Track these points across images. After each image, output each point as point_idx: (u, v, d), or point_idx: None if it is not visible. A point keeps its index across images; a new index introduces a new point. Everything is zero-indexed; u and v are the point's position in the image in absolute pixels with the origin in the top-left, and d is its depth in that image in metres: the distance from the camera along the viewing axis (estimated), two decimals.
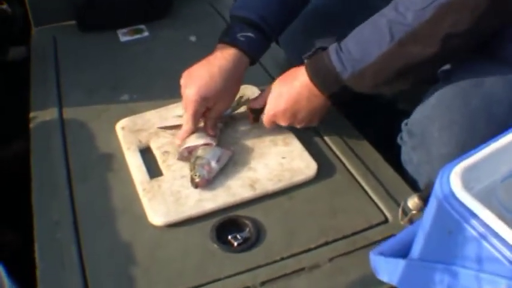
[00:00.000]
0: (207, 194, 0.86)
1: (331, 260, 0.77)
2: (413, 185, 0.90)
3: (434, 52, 0.78)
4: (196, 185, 0.87)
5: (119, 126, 1.03)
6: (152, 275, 0.77)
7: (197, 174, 0.87)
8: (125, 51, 1.33)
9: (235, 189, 0.87)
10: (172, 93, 1.02)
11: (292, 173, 0.90)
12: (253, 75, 1.04)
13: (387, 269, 0.62)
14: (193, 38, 1.36)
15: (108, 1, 1.39)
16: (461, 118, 0.80)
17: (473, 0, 0.74)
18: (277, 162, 0.92)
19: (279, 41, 1.17)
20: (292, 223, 0.83)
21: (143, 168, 0.92)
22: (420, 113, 0.86)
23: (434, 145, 0.83)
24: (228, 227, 0.82)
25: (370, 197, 0.87)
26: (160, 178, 0.91)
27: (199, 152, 0.90)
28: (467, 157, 0.50)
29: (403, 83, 0.84)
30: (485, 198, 0.48)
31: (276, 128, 0.98)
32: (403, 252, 0.60)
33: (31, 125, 1.09)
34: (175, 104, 1.06)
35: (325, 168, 0.92)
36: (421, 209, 0.72)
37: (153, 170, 0.93)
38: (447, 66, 0.90)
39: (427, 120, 0.84)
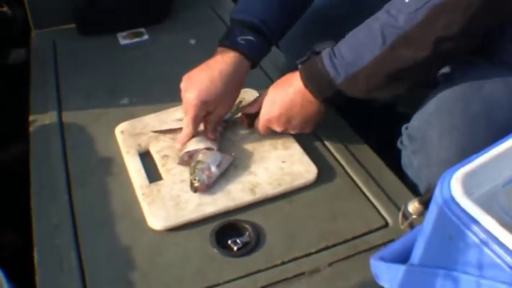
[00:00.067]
0: (206, 198, 0.86)
1: (331, 264, 0.77)
2: (413, 189, 0.89)
3: (427, 55, 0.77)
4: (195, 190, 0.86)
5: (118, 130, 1.03)
6: (151, 280, 0.76)
7: (197, 178, 0.86)
8: (124, 54, 1.33)
9: (235, 193, 0.87)
10: (172, 97, 1.02)
11: (292, 177, 0.90)
12: (254, 79, 1.04)
13: (388, 274, 0.62)
14: (193, 42, 1.36)
15: (108, 4, 1.39)
16: (461, 123, 0.80)
17: (466, 0, 0.73)
18: (278, 166, 0.92)
19: (279, 44, 1.16)
20: (292, 227, 0.83)
21: (142, 172, 0.92)
22: (420, 117, 0.86)
23: (434, 149, 0.82)
24: (228, 231, 0.82)
25: (371, 201, 0.87)
26: (159, 182, 0.90)
27: (200, 157, 0.90)
28: (468, 162, 0.50)
29: (397, 88, 0.84)
30: (486, 204, 0.47)
31: (276, 132, 0.98)
32: (403, 257, 0.59)
33: (30, 129, 1.08)
34: (175, 108, 1.05)
35: (325, 172, 0.92)
36: (422, 214, 0.72)
37: (153, 174, 0.92)
38: (447, 69, 0.90)
39: (427, 124, 0.84)
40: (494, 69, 0.84)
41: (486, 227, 0.45)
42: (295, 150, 0.96)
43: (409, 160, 0.90)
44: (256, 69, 1.01)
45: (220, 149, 0.94)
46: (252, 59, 0.96)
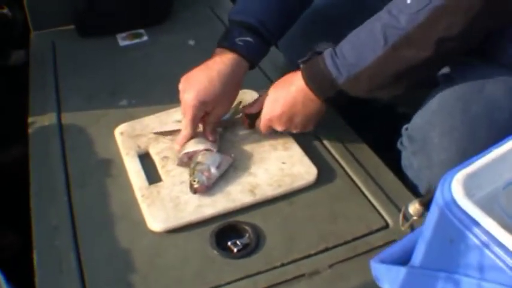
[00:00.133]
0: (206, 200, 0.86)
1: (331, 266, 0.77)
2: (413, 190, 0.89)
3: (428, 56, 0.77)
4: (195, 191, 0.86)
5: (117, 131, 1.03)
6: (151, 282, 0.76)
7: (196, 180, 0.86)
8: (124, 55, 1.33)
9: (235, 194, 0.87)
10: (172, 98, 1.02)
11: (292, 178, 0.89)
12: (253, 80, 1.04)
13: (388, 276, 0.61)
14: (192, 42, 1.36)
15: (107, 7, 1.39)
16: (461, 124, 0.80)
17: (467, 1, 0.73)
18: (278, 167, 0.92)
19: (279, 45, 1.16)
20: (292, 229, 0.83)
21: (142, 174, 0.92)
22: (421, 118, 0.86)
23: (434, 151, 0.82)
24: (228, 233, 0.82)
25: (371, 202, 0.87)
26: (159, 184, 0.90)
27: (199, 158, 0.90)
28: (469, 164, 0.50)
29: (399, 87, 0.84)
30: (487, 206, 0.47)
31: (276, 133, 0.98)
32: (404, 259, 0.59)
33: (30, 130, 1.08)
34: (174, 109, 1.05)
35: (326, 173, 0.92)
36: (422, 215, 0.71)
37: (152, 175, 0.92)
38: (447, 70, 0.90)
39: (428, 125, 0.84)
40: (494, 70, 0.84)
41: (487, 229, 0.44)
42: (295, 151, 0.95)
43: (409, 161, 0.90)
44: (255, 69, 1.01)
45: (220, 150, 0.94)
46: (251, 60, 0.96)
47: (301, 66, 0.89)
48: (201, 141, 0.94)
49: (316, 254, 0.79)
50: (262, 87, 1.12)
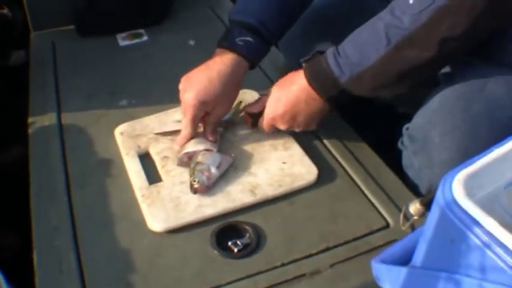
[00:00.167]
0: (206, 200, 0.86)
1: (332, 266, 0.77)
2: (414, 190, 0.89)
3: (431, 56, 0.77)
4: (195, 191, 0.86)
5: (117, 131, 1.03)
6: (151, 282, 0.76)
7: (196, 179, 0.86)
8: (124, 55, 1.33)
9: (235, 194, 0.87)
10: (172, 98, 1.02)
11: (292, 178, 0.89)
12: (253, 80, 1.04)
13: (389, 276, 0.61)
14: (192, 42, 1.36)
15: (107, 5, 1.39)
16: (463, 123, 0.80)
17: (470, 1, 0.73)
18: (278, 167, 0.92)
19: (279, 45, 1.16)
20: (293, 229, 0.83)
21: (142, 174, 0.92)
22: (421, 118, 0.86)
23: (435, 150, 0.82)
24: (228, 233, 0.82)
25: (371, 202, 0.87)
26: (159, 184, 0.90)
27: (199, 158, 0.90)
28: (470, 164, 0.50)
29: (402, 87, 0.84)
30: (488, 205, 0.47)
31: (276, 133, 0.97)
32: (405, 259, 0.59)
33: (30, 130, 1.08)
34: (174, 109, 1.05)
35: (326, 173, 0.92)
36: (423, 215, 0.71)
37: (152, 175, 0.92)
38: (447, 69, 0.90)
39: (429, 125, 0.83)
40: (495, 69, 0.84)
41: (489, 229, 0.44)
42: (295, 151, 0.95)
43: (410, 161, 0.90)
44: (256, 69, 1.00)
45: (220, 150, 0.94)
46: (251, 60, 0.96)
47: (304, 65, 0.89)
48: (201, 141, 0.93)
49: (316, 253, 0.79)
50: (263, 87, 1.12)
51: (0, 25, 1.40)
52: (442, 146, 0.81)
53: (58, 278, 0.77)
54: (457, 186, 0.47)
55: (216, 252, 0.79)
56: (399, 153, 0.93)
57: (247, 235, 0.81)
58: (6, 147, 1.24)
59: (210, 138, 0.95)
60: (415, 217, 0.71)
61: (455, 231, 0.47)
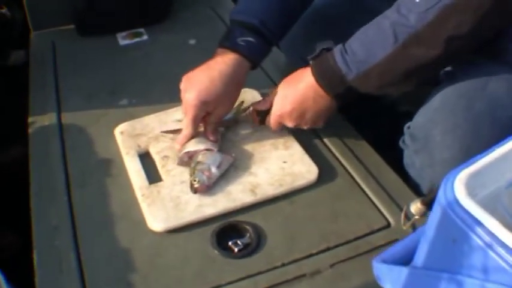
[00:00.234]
0: (207, 200, 0.86)
1: (332, 265, 0.77)
2: (415, 189, 0.89)
3: (438, 54, 0.77)
4: (195, 191, 0.86)
5: (117, 130, 1.02)
6: (151, 282, 0.76)
7: (196, 179, 0.86)
8: (124, 55, 1.33)
9: (236, 194, 0.87)
10: (172, 98, 1.02)
11: (293, 178, 0.89)
12: (254, 79, 1.03)
13: (390, 276, 0.61)
14: (192, 42, 1.35)
15: (107, 4, 1.39)
16: (464, 122, 0.80)
17: (477, 0, 0.73)
18: (278, 166, 0.91)
19: (280, 44, 1.16)
20: (293, 228, 0.82)
21: (142, 173, 0.92)
22: (423, 116, 0.86)
23: (437, 149, 0.82)
24: (229, 232, 0.82)
25: (372, 202, 0.87)
26: (159, 183, 0.90)
27: (200, 157, 0.89)
28: (472, 163, 0.49)
29: (408, 84, 0.84)
30: (490, 205, 0.47)
31: (277, 132, 0.97)
32: (406, 259, 0.59)
33: (30, 130, 1.08)
34: (174, 108, 1.05)
35: (327, 172, 0.92)
36: (424, 214, 0.71)
37: (153, 175, 0.92)
38: (449, 67, 0.89)
39: (430, 123, 0.83)
40: (496, 68, 0.84)
41: (491, 229, 0.44)
42: (296, 150, 0.95)
43: (411, 160, 0.89)
44: (257, 69, 1.00)
45: (221, 150, 0.94)
46: (252, 60, 0.95)
47: (311, 62, 0.89)
48: (201, 141, 0.93)
49: (317, 253, 0.78)
50: (263, 86, 1.12)
51: None
52: (443, 144, 0.81)
53: (58, 278, 0.77)
54: (458, 186, 0.47)
55: (216, 252, 0.79)
56: (400, 152, 0.92)
57: (248, 235, 0.81)
58: (6, 147, 1.24)
59: (211, 138, 0.94)
60: (416, 217, 0.71)
61: (457, 231, 0.46)
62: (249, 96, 1.06)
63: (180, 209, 0.84)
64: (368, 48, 0.82)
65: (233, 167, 0.91)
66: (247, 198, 0.86)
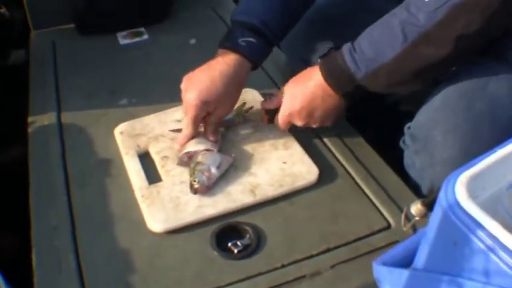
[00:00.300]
0: (206, 200, 0.85)
1: (332, 267, 0.76)
2: (416, 190, 0.89)
3: (447, 53, 0.77)
4: (195, 191, 0.86)
5: (117, 130, 1.02)
6: (151, 283, 0.76)
7: (196, 180, 0.85)
8: (124, 54, 1.33)
9: (236, 194, 0.86)
10: (172, 97, 1.01)
11: (293, 178, 0.89)
12: (255, 79, 1.03)
13: (390, 279, 0.60)
14: (193, 42, 1.35)
15: (107, 6, 1.38)
16: (465, 122, 0.80)
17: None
18: (278, 167, 0.91)
19: (280, 44, 1.15)
20: (293, 229, 0.82)
21: (142, 174, 0.91)
22: (423, 116, 0.86)
23: (437, 149, 0.82)
24: (228, 233, 0.81)
25: (373, 202, 0.86)
26: (159, 184, 0.90)
27: (200, 158, 0.89)
28: (472, 165, 0.49)
29: (417, 83, 0.84)
30: (491, 207, 0.47)
31: (277, 132, 0.97)
32: (406, 261, 0.58)
33: (29, 130, 1.08)
34: (174, 108, 1.05)
35: (327, 173, 0.91)
36: (425, 215, 0.71)
37: (152, 175, 0.92)
38: None
39: (431, 123, 0.83)
40: (498, 67, 0.84)
41: (492, 232, 0.44)
42: (296, 150, 0.95)
43: (412, 160, 0.89)
44: (257, 69, 1.00)
45: (221, 150, 0.93)
46: (253, 61, 0.95)
47: (319, 61, 0.89)
48: (201, 141, 0.93)
49: (317, 254, 0.78)
50: (264, 86, 1.12)
51: None
52: (444, 145, 0.80)
53: (57, 278, 0.77)
54: (459, 188, 0.47)
55: (216, 253, 0.79)
56: (401, 152, 0.92)
57: (248, 236, 0.81)
58: (6, 146, 1.24)
59: (211, 138, 0.94)
60: (417, 218, 0.71)
61: (458, 234, 0.46)
62: (250, 96, 1.06)
63: (180, 210, 0.84)
64: (377, 47, 0.82)
65: (233, 167, 0.91)
66: (247, 199, 0.86)
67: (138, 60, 1.29)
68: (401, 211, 0.79)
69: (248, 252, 0.78)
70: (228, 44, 0.95)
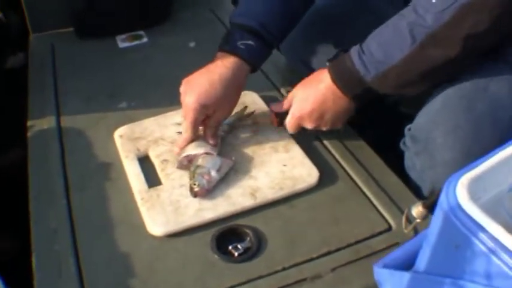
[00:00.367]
0: (207, 203, 0.85)
1: (333, 270, 0.76)
2: (416, 191, 0.88)
3: (456, 54, 0.77)
4: (195, 194, 0.85)
5: (117, 134, 1.02)
6: (151, 286, 0.75)
7: (196, 183, 0.85)
8: (123, 57, 1.32)
9: (236, 198, 0.86)
10: (171, 101, 1.01)
11: (293, 181, 0.89)
12: (254, 82, 1.03)
13: (391, 282, 0.60)
14: (192, 44, 1.35)
15: (107, 7, 1.38)
16: (466, 123, 0.79)
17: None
18: (279, 170, 0.91)
19: (280, 47, 1.15)
20: (294, 232, 0.82)
21: (141, 177, 0.91)
22: (424, 118, 0.85)
23: (438, 151, 0.82)
24: (229, 236, 0.81)
25: (373, 205, 0.86)
26: (159, 187, 0.89)
27: (200, 161, 0.89)
28: (474, 167, 0.49)
29: (426, 84, 0.84)
30: (492, 209, 0.46)
31: (277, 135, 0.97)
32: (407, 264, 0.58)
33: (29, 133, 1.07)
34: (174, 112, 1.04)
35: (327, 175, 0.91)
36: (426, 217, 0.70)
37: (152, 178, 0.91)
38: None
39: (431, 124, 0.83)
40: (498, 68, 0.83)
41: (494, 235, 0.43)
42: (296, 153, 0.94)
43: (412, 162, 0.89)
44: (257, 72, 0.99)
45: (221, 153, 0.93)
46: (252, 64, 0.95)
47: (328, 64, 0.89)
48: (201, 145, 0.93)
49: (318, 257, 0.78)
50: (263, 88, 1.12)
51: None
52: (444, 146, 0.80)
53: (57, 282, 0.76)
54: (461, 191, 0.47)
55: (216, 256, 0.78)
56: (401, 154, 0.92)
57: (248, 239, 0.80)
58: (5, 150, 1.23)
59: (211, 141, 0.94)
60: (418, 220, 0.71)
61: (460, 236, 0.46)
62: (249, 98, 1.06)
63: (180, 213, 0.84)
64: (386, 48, 0.82)
65: (233, 170, 0.91)
66: (248, 202, 0.85)
67: (137, 63, 1.29)
68: (402, 213, 0.79)
69: (249, 255, 0.78)
70: (227, 47, 0.94)
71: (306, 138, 0.98)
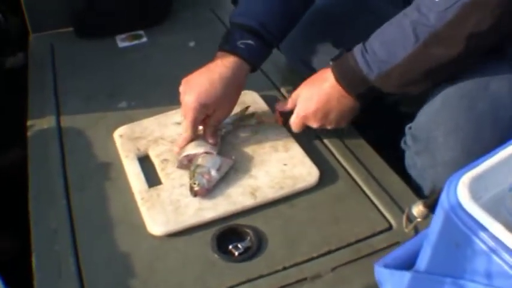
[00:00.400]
0: (207, 203, 0.85)
1: (334, 269, 0.76)
2: (417, 190, 0.88)
3: (459, 52, 0.77)
4: (195, 194, 0.85)
5: (117, 133, 1.02)
6: (151, 286, 0.75)
7: (196, 182, 0.85)
8: (123, 57, 1.32)
9: (236, 197, 0.86)
10: (171, 100, 1.01)
11: (294, 180, 0.88)
12: (254, 81, 1.03)
13: (392, 281, 0.60)
14: (192, 44, 1.35)
15: (106, 6, 1.38)
16: (467, 122, 0.79)
17: None
18: (279, 169, 0.91)
19: (280, 46, 1.15)
20: (294, 231, 0.82)
21: (142, 177, 0.91)
22: (425, 117, 0.85)
23: (439, 150, 0.81)
24: (229, 236, 0.81)
25: (374, 204, 0.86)
26: (159, 187, 0.89)
27: (200, 161, 0.89)
28: (475, 166, 0.49)
29: (429, 83, 0.84)
30: (493, 208, 0.46)
31: (277, 134, 0.97)
32: (408, 263, 0.58)
33: (28, 133, 1.07)
34: (174, 111, 1.04)
35: (327, 174, 0.91)
36: (426, 217, 0.70)
37: (152, 178, 0.91)
38: None
39: (432, 124, 0.83)
40: (499, 67, 0.83)
41: (495, 234, 0.43)
42: (296, 152, 0.94)
43: (413, 161, 0.89)
44: (257, 71, 0.99)
45: (221, 152, 0.93)
46: (252, 63, 0.95)
47: (331, 63, 0.89)
48: (201, 144, 0.93)
49: (318, 257, 0.78)
50: (263, 88, 1.11)
51: None
52: (445, 145, 0.80)
53: (57, 282, 0.76)
54: (462, 190, 0.46)
55: (216, 255, 0.78)
56: (402, 153, 0.92)
57: (248, 238, 0.80)
58: (5, 150, 1.23)
59: (211, 141, 0.94)
60: (419, 219, 0.71)
61: (461, 235, 0.46)
62: (249, 98, 1.06)
63: (180, 213, 0.84)
64: (389, 47, 0.82)
65: (233, 169, 0.91)
66: (248, 201, 0.85)
67: (137, 63, 1.29)
68: (403, 212, 0.78)
69: (249, 254, 0.78)
70: (227, 46, 0.94)
71: (306, 138, 0.97)
